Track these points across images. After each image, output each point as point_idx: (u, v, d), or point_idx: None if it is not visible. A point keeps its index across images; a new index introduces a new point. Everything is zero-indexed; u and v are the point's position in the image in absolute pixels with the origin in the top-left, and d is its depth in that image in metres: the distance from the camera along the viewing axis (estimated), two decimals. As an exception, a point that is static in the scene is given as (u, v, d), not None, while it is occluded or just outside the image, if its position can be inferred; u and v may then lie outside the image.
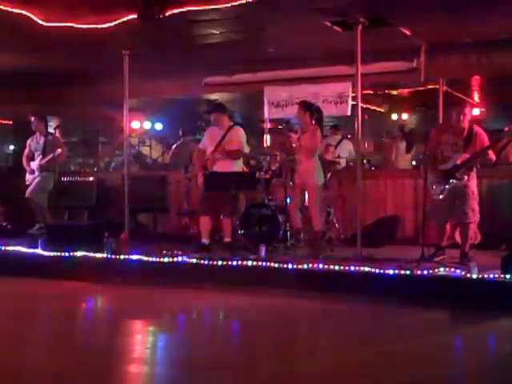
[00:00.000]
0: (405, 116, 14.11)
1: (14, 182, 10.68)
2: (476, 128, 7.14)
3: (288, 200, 8.26)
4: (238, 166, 8.29)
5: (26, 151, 9.60)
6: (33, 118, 9.55)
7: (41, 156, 9.38)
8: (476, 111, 12.60)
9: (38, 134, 9.52)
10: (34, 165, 9.37)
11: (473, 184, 7.08)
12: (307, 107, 7.91)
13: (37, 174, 9.36)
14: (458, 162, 6.97)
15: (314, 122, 7.84)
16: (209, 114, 8.48)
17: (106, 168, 13.96)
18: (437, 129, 7.72)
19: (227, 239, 8.12)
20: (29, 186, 9.52)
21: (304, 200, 8.01)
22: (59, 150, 9.40)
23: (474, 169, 7.12)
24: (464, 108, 7.20)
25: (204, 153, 8.30)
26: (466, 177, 6.97)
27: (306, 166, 7.77)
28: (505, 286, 6.08)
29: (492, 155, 7.08)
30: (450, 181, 6.97)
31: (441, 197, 7.06)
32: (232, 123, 8.41)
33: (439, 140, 7.19)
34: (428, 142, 7.33)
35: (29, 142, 9.66)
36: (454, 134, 7.12)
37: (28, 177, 9.54)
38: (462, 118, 7.05)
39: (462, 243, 7.15)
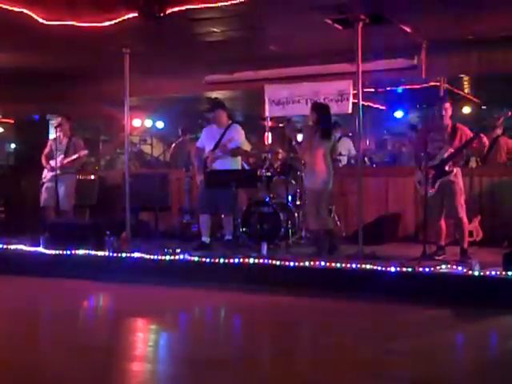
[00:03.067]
0: (406, 113, 14.08)
1: (15, 180, 10.69)
2: (459, 125, 7.29)
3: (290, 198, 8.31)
4: (237, 163, 8.30)
5: (47, 150, 9.61)
6: (60, 119, 9.61)
7: (62, 156, 9.42)
8: (477, 109, 12.61)
9: (61, 134, 9.54)
10: (55, 163, 9.34)
11: (460, 181, 7.20)
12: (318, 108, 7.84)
13: (56, 172, 9.33)
14: (445, 155, 7.11)
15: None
16: (210, 112, 8.45)
17: (107, 166, 13.97)
18: (423, 128, 7.84)
19: (228, 237, 8.13)
20: (43, 183, 9.51)
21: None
22: (86, 151, 9.57)
23: (459, 167, 7.24)
24: (444, 104, 7.29)
25: (202, 151, 8.31)
26: (454, 170, 7.10)
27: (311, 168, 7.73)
28: (507, 282, 6.07)
29: (484, 141, 7.22)
30: (439, 179, 7.08)
31: (431, 194, 7.13)
32: (230, 121, 8.41)
33: (425, 138, 7.27)
34: (415, 141, 7.44)
35: (50, 141, 9.71)
36: (438, 131, 7.26)
37: (46, 174, 9.53)
38: (443, 113, 7.19)
39: (460, 240, 7.22)
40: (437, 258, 7.07)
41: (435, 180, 7.12)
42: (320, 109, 7.79)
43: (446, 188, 7.12)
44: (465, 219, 7.20)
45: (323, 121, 7.64)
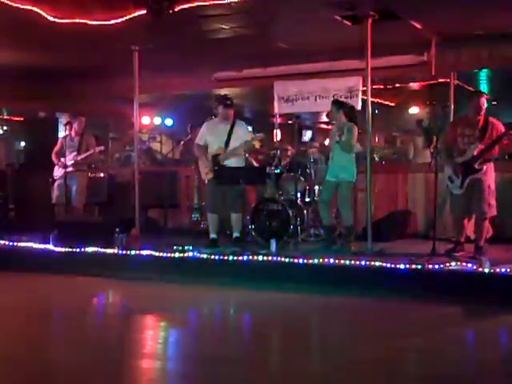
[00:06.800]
0: (415, 110, 14.03)
1: (25, 178, 10.71)
2: (491, 119, 7.12)
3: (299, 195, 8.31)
4: (243, 160, 8.29)
5: (57, 147, 9.70)
6: (72, 118, 9.74)
7: (75, 153, 9.49)
8: (488, 105, 12.53)
9: (72, 132, 9.62)
10: (69, 160, 9.40)
11: (489, 178, 7.04)
12: (340, 105, 7.87)
13: (70, 169, 9.38)
14: (475, 152, 6.95)
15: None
16: (229, 108, 8.11)
17: (117, 164, 13.98)
18: (453, 122, 7.73)
19: (236, 235, 8.11)
20: (55, 181, 9.57)
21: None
22: (102, 147, 9.79)
23: (492, 162, 7.09)
24: (480, 100, 7.12)
25: (206, 148, 8.20)
26: (484, 167, 6.94)
27: (340, 162, 7.71)
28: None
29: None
30: (469, 176, 6.95)
31: (461, 191, 7.04)
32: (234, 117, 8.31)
33: (455, 133, 7.17)
34: (445, 136, 7.30)
35: (61, 139, 9.79)
36: (469, 126, 7.12)
37: (57, 171, 9.59)
38: (479, 110, 7.03)
39: (477, 238, 7.12)
40: (456, 254, 7.01)
41: (464, 178, 6.98)
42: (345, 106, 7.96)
43: (474, 186, 6.97)
44: (487, 221, 7.06)
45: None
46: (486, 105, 7.13)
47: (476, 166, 6.94)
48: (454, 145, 7.13)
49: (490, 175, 7.04)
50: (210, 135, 8.18)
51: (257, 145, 8.36)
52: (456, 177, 7.05)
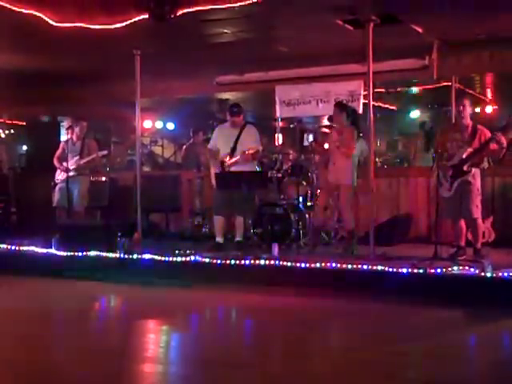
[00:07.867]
0: (417, 114, 14.05)
1: (27, 182, 10.73)
2: (479, 126, 7.23)
3: (300, 199, 8.31)
4: (254, 165, 8.30)
5: (59, 152, 9.68)
6: (74, 123, 9.74)
7: (77, 157, 9.50)
8: (489, 109, 12.56)
9: (73, 137, 9.63)
10: (71, 164, 9.41)
11: (478, 182, 7.14)
12: (342, 107, 7.89)
13: (72, 174, 9.40)
14: (464, 155, 7.05)
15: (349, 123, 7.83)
16: (236, 116, 8.18)
17: (119, 167, 14.00)
18: (443, 127, 7.83)
19: (238, 238, 8.11)
20: (56, 184, 9.58)
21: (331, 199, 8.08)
22: (105, 151, 9.82)
23: (479, 168, 7.16)
24: (462, 101, 7.26)
25: (217, 153, 8.24)
26: (473, 169, 7.03)
27: (340, 165, 7.74)
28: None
29: (502, 140, 6.99)
30: (459, 178, 7.02)
31: (449, 193, 7.10)
32: (244, 121, 8.38)
33: (446, 138, 7.26)
34: (436, 141, 7.39)
35: (63, 144, 9.78)
36: (459, 130, 7.23)
37: (59, 175, 9.59)
38: (461, 109, 7.13)
39: (474, 240, 7.20)
40: (458, 258, 7.03)
41: (453, 181, 7.08)
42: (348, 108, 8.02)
43: (463, 188, 7.07)
44: (479, 220, 7.17)
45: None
46: (469, 107, 7.23)
47: (465, 168, 7.04)
48: (444, 149, 7.19)
49: (478, 179, 7.15)
50: (220, 140, 8.27)
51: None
52: (445, 180, 7.12)
